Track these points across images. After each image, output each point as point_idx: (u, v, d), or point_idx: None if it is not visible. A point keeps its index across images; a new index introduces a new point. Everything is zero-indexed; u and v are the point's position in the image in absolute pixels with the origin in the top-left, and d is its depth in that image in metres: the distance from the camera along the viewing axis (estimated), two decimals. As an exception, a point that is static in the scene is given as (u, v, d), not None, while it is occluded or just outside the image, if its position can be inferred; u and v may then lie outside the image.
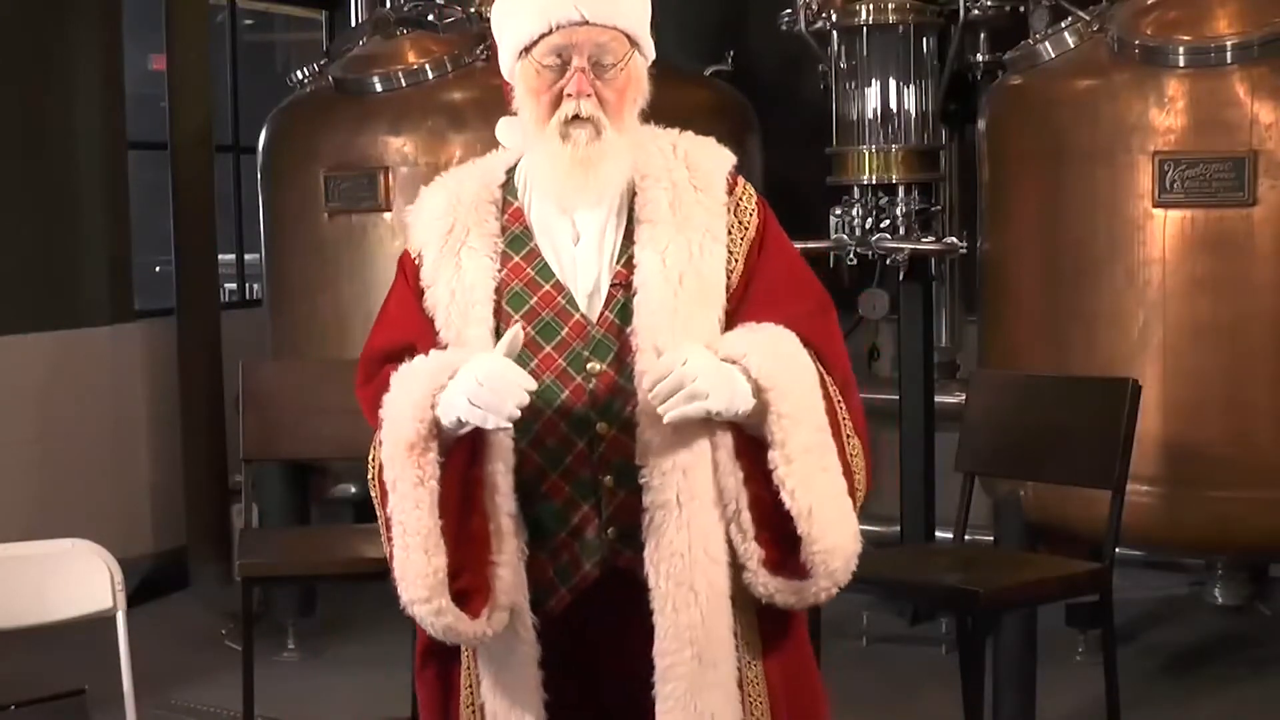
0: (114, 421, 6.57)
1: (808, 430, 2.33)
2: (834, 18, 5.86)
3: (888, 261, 5.81)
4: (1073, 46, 4.93)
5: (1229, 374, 4.56)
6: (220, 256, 7.11)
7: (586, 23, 2.34)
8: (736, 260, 2.43)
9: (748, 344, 2.33)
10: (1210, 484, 4.59)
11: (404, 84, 5.75)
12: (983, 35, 5.94)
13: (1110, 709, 4.04)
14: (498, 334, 2.37)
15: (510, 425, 2.27)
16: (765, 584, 2.37)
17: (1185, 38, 4.62)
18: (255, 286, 7.36)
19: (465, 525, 2.35)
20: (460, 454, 2.35)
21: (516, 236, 2.46)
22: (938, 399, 5.99)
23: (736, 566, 2.38)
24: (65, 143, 6.40)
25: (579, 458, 2.38)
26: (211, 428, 6.68)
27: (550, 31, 2.35)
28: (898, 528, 5.89)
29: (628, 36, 2.39)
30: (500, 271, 2.43)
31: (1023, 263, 4.97)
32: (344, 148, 5.74)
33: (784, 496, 2.31)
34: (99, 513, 6.20)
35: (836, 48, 5.90)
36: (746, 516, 2.35)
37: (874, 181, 5.80)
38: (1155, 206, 4.59)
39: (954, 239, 5.77)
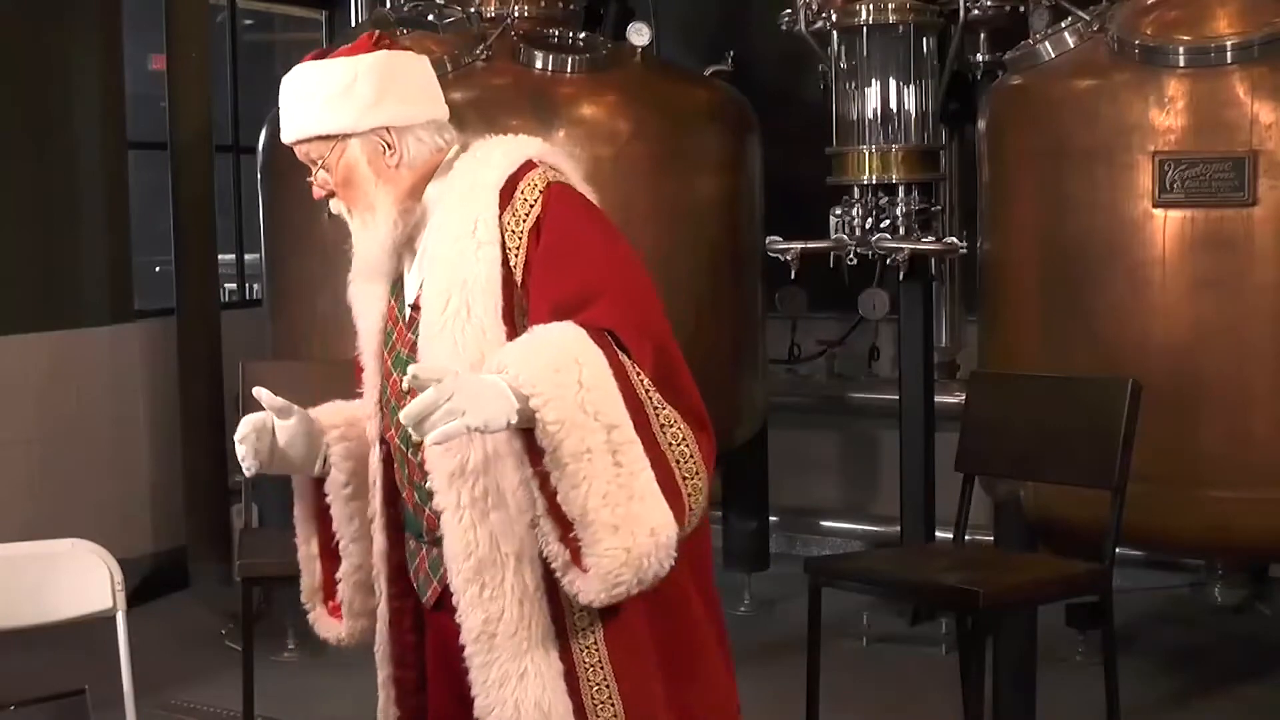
0: (114, 421, 6.57)
1: (586, 433, 2.29)
2: (834, 18, 5.85)
3: (888, 261, 5.81)
4: (1073, 46, 4.93)
5: (1229, 374, 4.55)
6: (220, 256, 7.11)
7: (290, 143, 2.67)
8: (518, 254, 2.49)
9: (512, 355, 2.34)
10: (1210, 484, 4.58)
11: (404, 84, 5.73)
12: (983, 35, 5.94)
13: (1110, 709, 4.05)
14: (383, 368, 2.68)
15: (252, 470, 2.80)
16: (571, 582, 2.38)
17: (1185, 38, 4.62)
18: (255, 286, 7.36)
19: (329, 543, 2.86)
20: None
21: (396, 280, 2.68)
22: (938, 399, 6.00)
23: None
24: (65, 143, 6.40)
25: (411, 466, 2.61)
26: (211, 428, 6.68)
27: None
28: (898, 528, 5.87)
29: (322, 136, 2.64)
30: (384, 314, 2.70)
31: (1023, 263, 4.97)
32: (344, 148, 5.72)
33: (560, 502, 2.33)
34: (99, 513, 6.20)
35: (836, 48, 5.89)
36: (546, 521, 2.38)
37: (874, 181, 5.79)
38: (1155, 206, 4.58)
39: (954, 239, 5.76)
